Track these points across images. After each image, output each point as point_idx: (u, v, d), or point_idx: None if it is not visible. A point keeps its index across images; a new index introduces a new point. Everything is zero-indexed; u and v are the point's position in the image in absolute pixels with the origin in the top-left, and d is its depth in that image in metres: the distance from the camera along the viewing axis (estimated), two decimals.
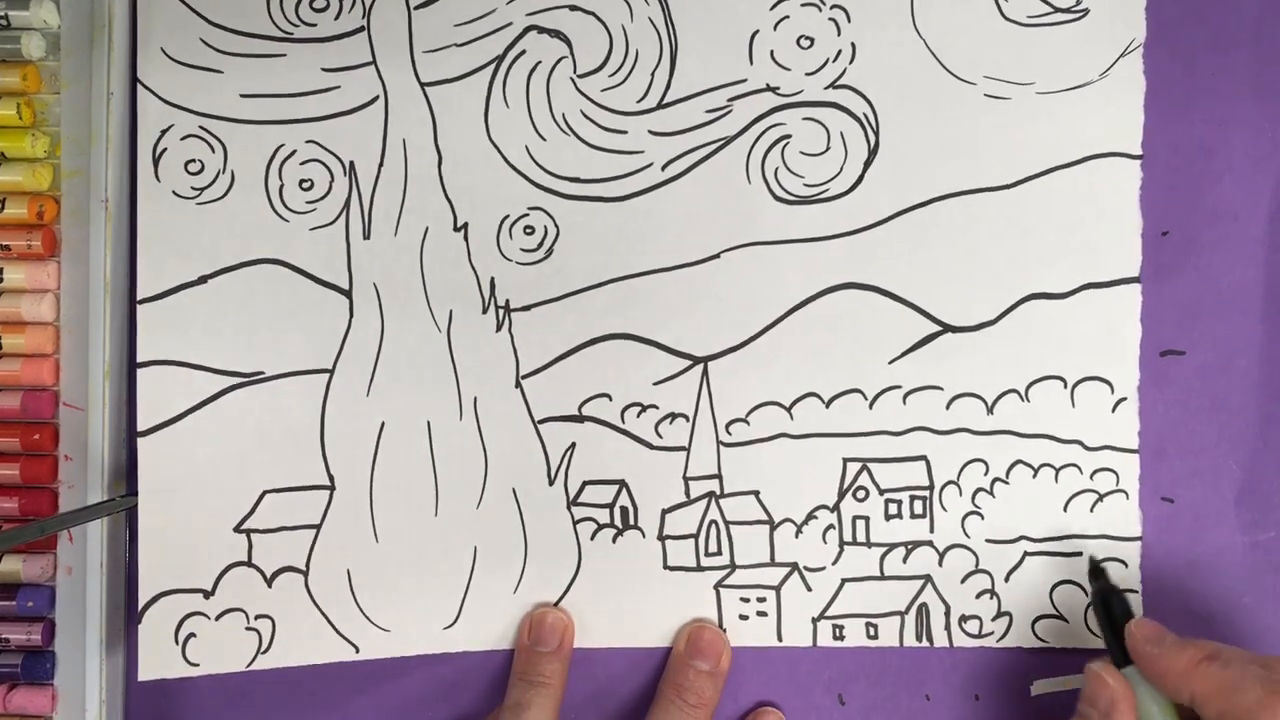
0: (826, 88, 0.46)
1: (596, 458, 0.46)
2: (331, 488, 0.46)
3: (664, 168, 0.46)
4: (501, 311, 0.46)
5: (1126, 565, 0.46)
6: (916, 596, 0.46)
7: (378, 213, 0.46)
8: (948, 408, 0.46)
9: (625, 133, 0.46)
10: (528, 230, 0.46)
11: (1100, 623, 0.43)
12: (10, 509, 0.46)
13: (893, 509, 0.46)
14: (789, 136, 0.46)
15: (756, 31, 0.46)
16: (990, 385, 0.46)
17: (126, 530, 0.47)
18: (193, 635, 0.46)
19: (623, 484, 0.46)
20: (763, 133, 0.46)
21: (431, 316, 0.46)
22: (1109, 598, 0.43)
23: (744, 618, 0.46)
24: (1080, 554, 0.46)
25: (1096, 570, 0.44)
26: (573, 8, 0.46)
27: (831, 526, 0.46)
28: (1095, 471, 0.46)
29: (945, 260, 0.46)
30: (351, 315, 0.46)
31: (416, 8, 0.46)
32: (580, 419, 0.46)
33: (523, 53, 0.46)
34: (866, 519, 0.46)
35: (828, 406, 0.46)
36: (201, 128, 0.46)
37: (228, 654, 0.46)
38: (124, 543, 0.47)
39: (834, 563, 0.46)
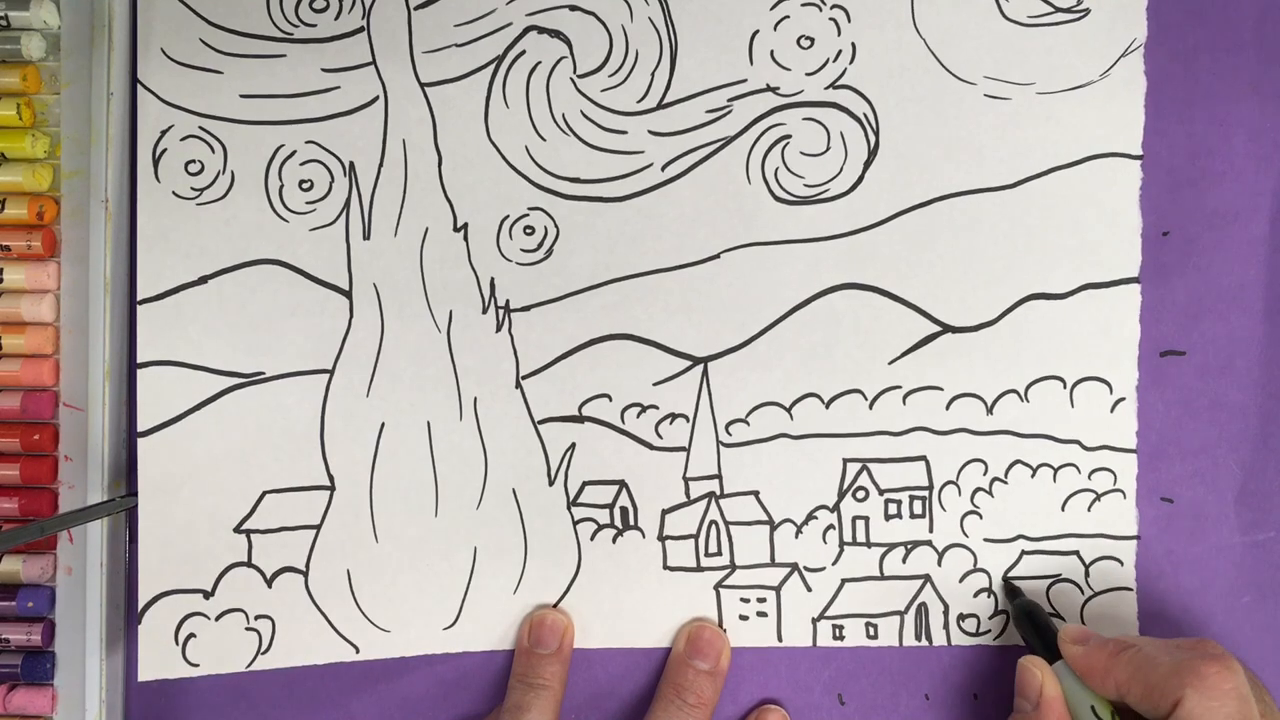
0: (826, 88, 0.46)
1: (596, 458, 0.46)
2: (331, 488, 0.46)
3: (664, 168, 0.46)
4: (501, 312, 0.46)
5: (1122, 564, 0.46)
6: (916, 596, 0.46)
7: (378, 213, 0.46)
8: (947, 408, 0.46)
9: (625, 133, 0.46)
10: (528, 230, 0.46)
11: (1025, 633, 0.44)
12: (10, 509, 0.46)
13: (892, 509, 0.46)
14: (789, 137, 0.46)
15: (756, 31, 0.46)
16: (990, 385, 0.46)
17: (126, 530, 0.47)
18: (193, 635, 0.46)
19: (623, 484, 0.46)
20: (763, 133, 0.46)
21: (431, 317, 0.46)
22: (1033, 610, 0.44)
23: (744, 618, 0.46)
24: (1077, 553, 0.46)
25: (1012, 589, 0.46)
26: (573, 8, 0.46)
27: (831, 527, 0.46)
28: (1093, 471, 0.46)
29: (945, 260, 0.46)
30: (351, 315, 0.46)
31: (416, 8, 0.46)
32: (580, 419, 0.46)
33: (523, 53, 0.46)
34: (866, 519, 0.46)
35: (828, 407, 0.46)
36: (201, 128, 0.46)
37: (228, 654, 0.46)
38: (124, 543, 0.47)
39: (834, 563, 0.46)
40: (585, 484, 0.46)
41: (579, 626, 0.46)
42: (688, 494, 0.46)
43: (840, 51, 0.46)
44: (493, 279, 0.46)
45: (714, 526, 0.46)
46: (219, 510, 0.46)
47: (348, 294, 0.46)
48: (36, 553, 0.46)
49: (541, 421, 0.46)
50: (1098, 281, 0.46)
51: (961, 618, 0.46)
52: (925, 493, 0.46)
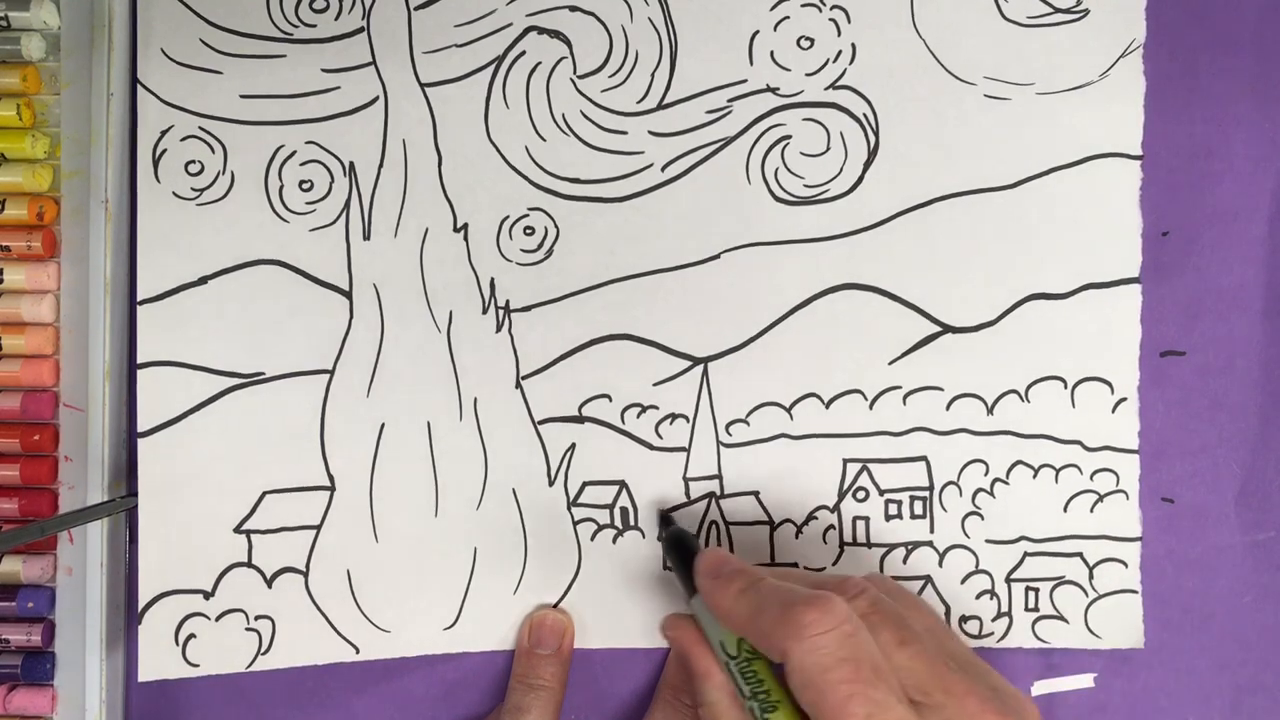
0: (826, 88, 0.46)
1: (596, 458, 0.46)
2: (331, 488, 0.46)
3: (664, 168, 0.46)
4: (501, 312, 0.46)
5: (1126, 565, 0.46)
6: None
7: (378, 213, 0.46)
8: (948, 408, 0.46)
9: (625, 133, 0.46)
10: (528, 231, 0.46)
11: (672, 562, 0.44)
12: (10, 510, 0.46)
13: (893, 509, 0.46)
14: (789, 137, 0.46)
15: (756, 32, 0.46)
16: (990, 386, 0.46)
17: (126, 531, 0.47)
18: (193, 636, 0.46)
19: (623, 485, 0.46)
20: (763, 133, 0.46)
21: (431, 317, 0.46)
22: (681, 538, 0.43)
23: None
24: (1080, 554, 0.46)
25: (666, 518, 0.45)
26: (573, 8, 0.46)
27: (831, 527, 0.46)
28: (1095, 472, 0.46)
29: (945, 260, 0.46)
30: (351, 316, 0.46)
31: (416, 8, 0.46)
32: (580, 419, 0.46)
33: (523, 53, 0.46)
34: (866, 519, 0.46)
35: (828, 407, 0.46)
36: (201, 128, 0.46)
37: (228, 654, 0.46)
38: (124, 543, 0.47)
39: (834, 563, 0.46)
40: (585, 484, 0.46)
41: (579, 626, 0.46)
42: (688, 494, 0.46)
43: (840, 52, 0.46)
44: (493, 279, 0.46)
45: (714, 527, 0.46)
46: (219, 510, 0.46)
47: (348, 294, 0.46)
48: (36, 553, 0.46)
49: (541, 422, 0.46)
50: (1098, 281, 0.46)
51: (963, 619, 0.46)
52: (926, 493, 0.46)
